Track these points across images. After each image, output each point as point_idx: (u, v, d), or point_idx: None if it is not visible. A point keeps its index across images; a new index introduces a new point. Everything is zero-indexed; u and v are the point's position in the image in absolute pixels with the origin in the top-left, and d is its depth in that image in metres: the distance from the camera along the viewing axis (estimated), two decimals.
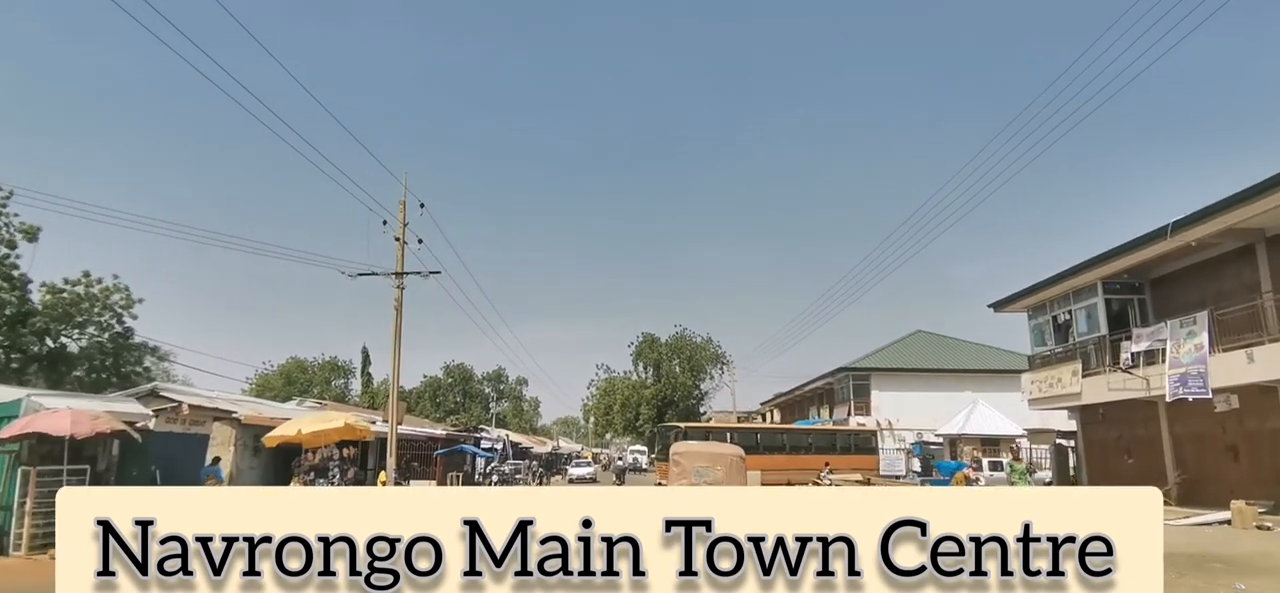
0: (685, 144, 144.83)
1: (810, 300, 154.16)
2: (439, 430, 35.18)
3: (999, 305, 25.29)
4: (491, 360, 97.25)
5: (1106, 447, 22.34)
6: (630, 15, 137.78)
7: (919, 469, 35.90)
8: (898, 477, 37.18)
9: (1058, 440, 24.77)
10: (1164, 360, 17.78)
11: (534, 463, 49.20)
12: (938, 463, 26.74)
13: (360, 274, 22.07)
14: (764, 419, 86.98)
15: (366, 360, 63.14)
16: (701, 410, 64.31)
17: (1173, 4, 17.63)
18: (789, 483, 28.65)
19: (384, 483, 21.87)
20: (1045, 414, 26.84)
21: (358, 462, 17.57)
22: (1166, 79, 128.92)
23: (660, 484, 31.12)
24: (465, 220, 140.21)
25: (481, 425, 64.37)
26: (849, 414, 46.37)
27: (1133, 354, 18.83)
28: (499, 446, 47.11)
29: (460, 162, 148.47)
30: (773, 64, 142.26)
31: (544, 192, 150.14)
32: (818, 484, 31.70)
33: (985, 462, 28.94)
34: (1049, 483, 24.52)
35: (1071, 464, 25.26)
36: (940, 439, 37.07)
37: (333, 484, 16.32)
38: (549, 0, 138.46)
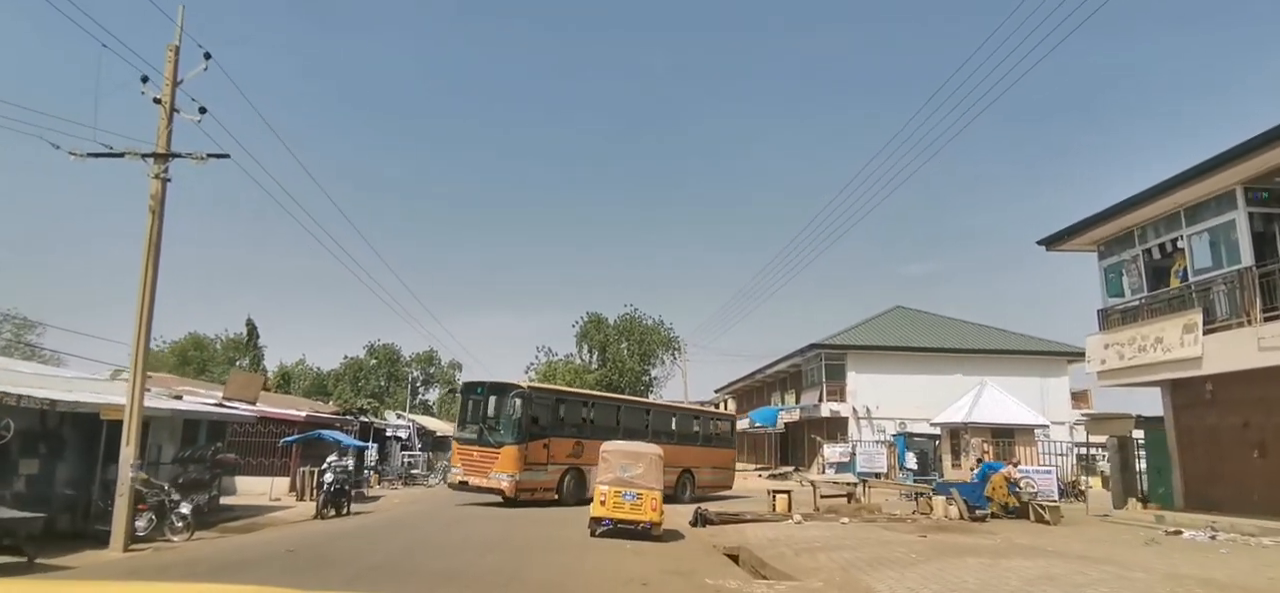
0: (646, 136, 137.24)
1: (766, 280, 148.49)
2: (298, 412, 26.81)
3: (1053, 240, 18.24)
4: (447, 349, 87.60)
5: (1219, 439, 15.46)
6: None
7: (915, 467, 28.99)
8: (877, 475, 30.32)
9: (1134, 431, 17.81)
10: None
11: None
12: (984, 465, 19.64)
13: (92, 155, 13.77)
14: (720, 409, 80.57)
15: (253, 334, 54.02)
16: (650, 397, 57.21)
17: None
18: None
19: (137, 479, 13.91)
20: (1105, 393, 19.99)
21: None
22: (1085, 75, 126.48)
23: (465, 484, 19.68)
24: (416, 206, 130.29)
25: (398, 411, 56.43)
26: (820, 400, 39.50)
27: None
28: (404, 433, 39.40)
29: (407, 145, 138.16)
30: (727, 63, 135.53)
31: (499, 182, 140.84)
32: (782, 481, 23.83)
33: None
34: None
35: (1139, 467, 18.42)
36: (937, 429, 30.30)
37: None
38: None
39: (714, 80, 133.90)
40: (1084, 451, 34.10)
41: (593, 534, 13.31)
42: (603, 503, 13.28)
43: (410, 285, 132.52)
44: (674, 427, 25.52)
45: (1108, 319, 17.06)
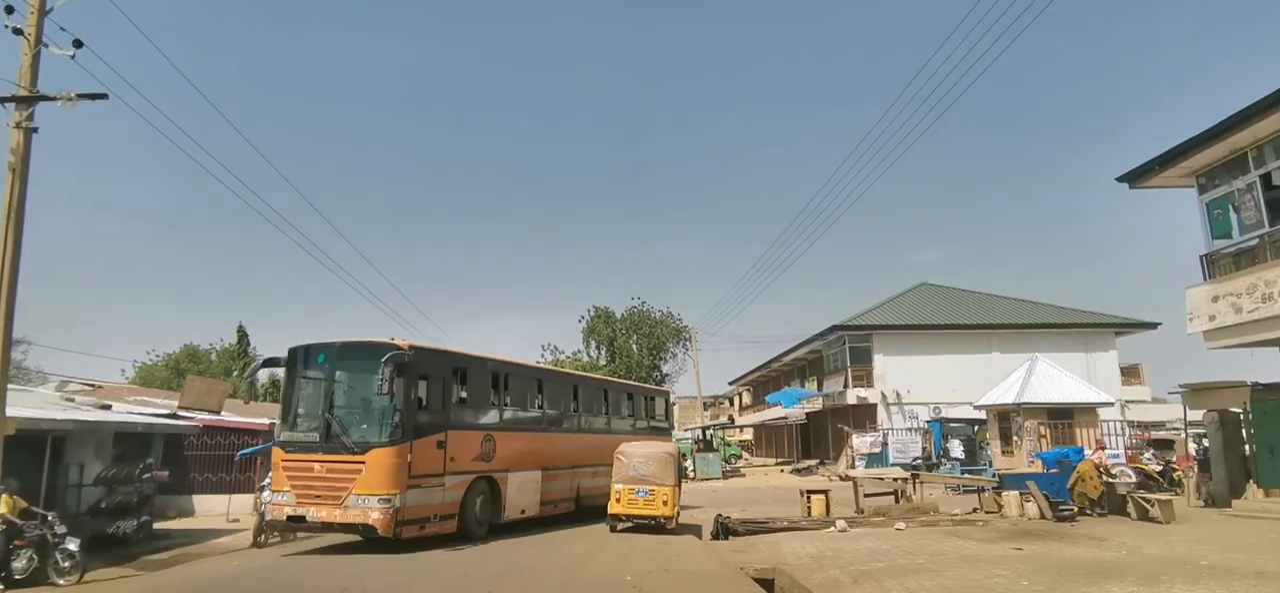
0: (646, 133, 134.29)
1: (778, 255, 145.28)
2: (259, 420, 24.01)
3: (1138, 175, 15.04)
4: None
5: None
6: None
7: (962, 456, 25.88)
8: (913, 463, 27.18)
9: (1245, 403, 14.58)
10: None
11: None
12: (1041, 454, 16.66)
13: None
14: (733, 402, 77.34)
15: (243, 341, 51.34)
16: None
17: None
18: (577, 492, 16.55)
19: (11, 509, 11.12)
20: (1156, 365, 16.72)
21: None
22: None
23: (300, 519, 11.62)
24: (421, 213, 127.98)
25: None
26: (846, 385, 36.38)
27: None
28: None
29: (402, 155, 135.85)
30: (716, 57, 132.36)
31: (499, 181, 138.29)
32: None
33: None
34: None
35: (1246, 449, 15.22)
36: (981, 412, 27.12)
37: None
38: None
39: (715, 76, 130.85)
40: (1139, 432, 30.85)
41: (612, 530, 13.87)
42: (618, 501, 13.88)
43: (401, 285, 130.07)
44: (607, 408, 18.80)
45: (1216, 265, 13.89)
